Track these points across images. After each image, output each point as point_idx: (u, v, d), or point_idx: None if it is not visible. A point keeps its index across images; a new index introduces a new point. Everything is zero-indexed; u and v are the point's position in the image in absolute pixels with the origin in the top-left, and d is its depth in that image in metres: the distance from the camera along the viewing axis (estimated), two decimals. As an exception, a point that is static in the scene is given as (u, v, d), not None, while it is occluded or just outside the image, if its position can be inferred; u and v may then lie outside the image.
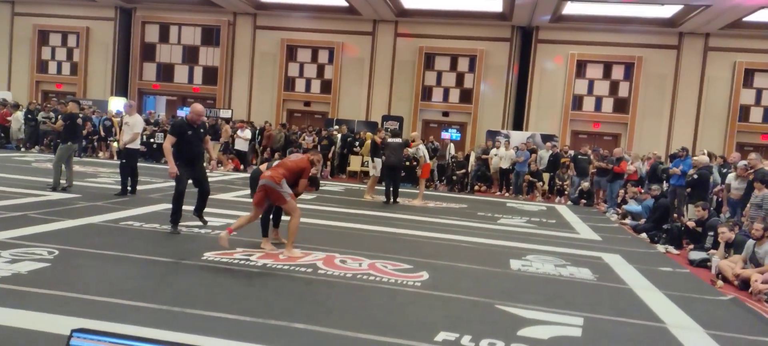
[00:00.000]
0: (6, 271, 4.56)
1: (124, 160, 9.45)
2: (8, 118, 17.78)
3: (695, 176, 9.83)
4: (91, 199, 8.71)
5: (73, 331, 1.49)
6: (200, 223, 7.12)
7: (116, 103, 20.98)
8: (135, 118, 9.58)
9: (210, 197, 7.28)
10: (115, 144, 16.04)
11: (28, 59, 22.87)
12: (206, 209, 7.17)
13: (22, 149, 17.21)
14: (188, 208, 7.08)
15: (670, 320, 4.67)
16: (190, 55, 22.41)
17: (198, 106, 7.02)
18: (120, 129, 12.31)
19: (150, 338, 1.41)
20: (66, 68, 23.12)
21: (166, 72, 22.60)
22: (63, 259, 5.10)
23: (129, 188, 9.42)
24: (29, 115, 17.55)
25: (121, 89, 22.35)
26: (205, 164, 7.42)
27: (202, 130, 7.04)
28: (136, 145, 9.65)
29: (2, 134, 17.57)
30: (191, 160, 6.89)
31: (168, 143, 6.79)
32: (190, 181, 6.97)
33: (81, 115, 9.91)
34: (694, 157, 10.57)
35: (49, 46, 23.14)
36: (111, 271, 4.90)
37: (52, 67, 23.23)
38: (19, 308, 3.73)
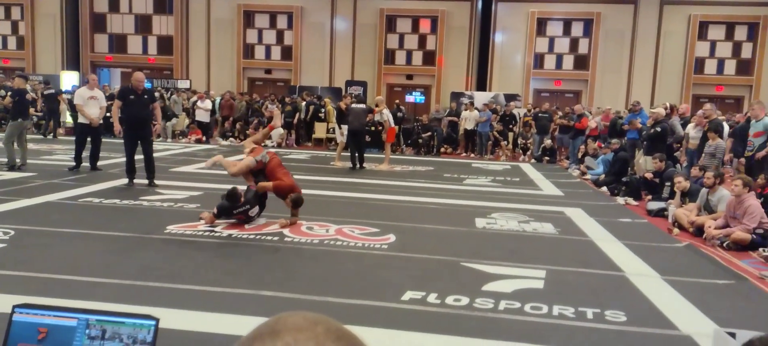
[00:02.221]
0: (-42, 254, 4.39)
1: (80, 135, 9.15)
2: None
3: (658, 129, 9.99)
4: (47, 177, 8.43)
5: (14, 306, 1.45)
6: (153, 187, 7.76)
7: (68, 78, 20.21)
8: (98, 91, 9.39)
9: (177, 169, 7.20)
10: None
11: (-29, 34, 21.74)
12: (169, 183, 7.07)
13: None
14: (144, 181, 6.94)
15: (629, 269, 4.83)
16: (143, 25, 21.64)
17: (138, 74, 8.06)
18: (68, 106, 11.97)
19: (91, 309, 1.38)
20: (12, 42, 22.07)
21: (118, 43, 21.80)
22: (19, 239, 4.95)
23: (89, 165, 9.16)
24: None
25: (73, 63, 21.45)
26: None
27: (146, 97, 7.98)
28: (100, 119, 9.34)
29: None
30: (135, 124, 7.85)
31: (115, 106, 8.12)
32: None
33: (31, 91, 9.48)
34: (652, 110, 10.79)
35: (-9, 20, 22.01)
36: (71, 248, 4.78)
37: (-3, 42, 22.15)
38: (-26, 292, 3.61)
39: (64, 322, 1.33)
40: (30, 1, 21.33)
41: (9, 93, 11.22)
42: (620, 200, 8.72)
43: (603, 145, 11.93)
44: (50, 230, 5.30)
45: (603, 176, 10.14)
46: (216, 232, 5.50)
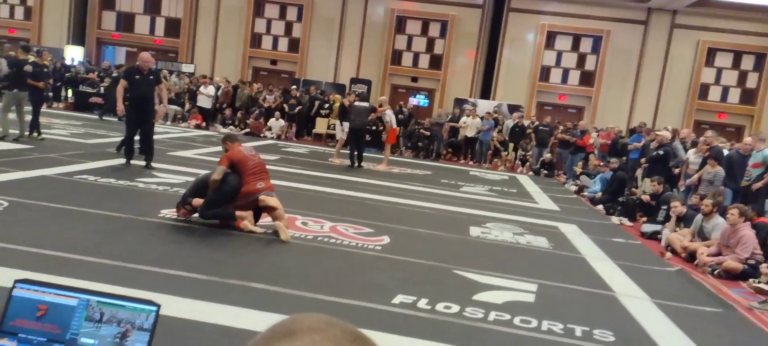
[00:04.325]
0: (-50, 221, 4.38)
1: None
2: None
3: (660, 152, 9.98)
4: (45, 151, 8.41)
5: (16, 281, 1.45)
6: (149, 169, 7.73)
7: (73, 52, 20.16)
8: None
9: (174, 153, 7.18)
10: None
11: (-22, 1, 21.68)
12: (166, 166, 7.06)
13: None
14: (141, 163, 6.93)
15: (619, 289, 4.84)
16: (152, 5, 21.57)
17: (145, 54, 8.08)
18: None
19: (93, 290, 1.38)
20: (19, 12, 22.00)
21: (126, 21, 21.74)
22: (12, 211, 4.93)
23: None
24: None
25: (79, 38, 21.40)
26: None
27: (151, 78, 7.91)
28: None
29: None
30: (140, 104, 7.85)
31: (119, 86, 8.09)
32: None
33: (31, 64, 9.38)
34: (657, 133, 10.79)
35: (0, -12, 21.95)
36: (62, 225, 4.77)
37: (4, 11, 22.06)
38: (-37, 260, 3.60)
39: (65, 301, 1.32)
40: (40, -28, 21.27)
41: (7, 63, 11.17)
42: (615, 219, 8.73)
43: (601, 164, 11.96)
44: (44, 205, 5.28)
45: (599, 194, 10.14)
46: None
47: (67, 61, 18.81)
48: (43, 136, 9.47)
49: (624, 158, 12.02)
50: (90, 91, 16.59)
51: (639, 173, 11.16)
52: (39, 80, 9.56)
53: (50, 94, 9.79)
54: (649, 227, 7.85)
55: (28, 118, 9.41)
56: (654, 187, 8.81)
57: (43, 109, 10.23)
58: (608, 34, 19.24)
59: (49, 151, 8.34)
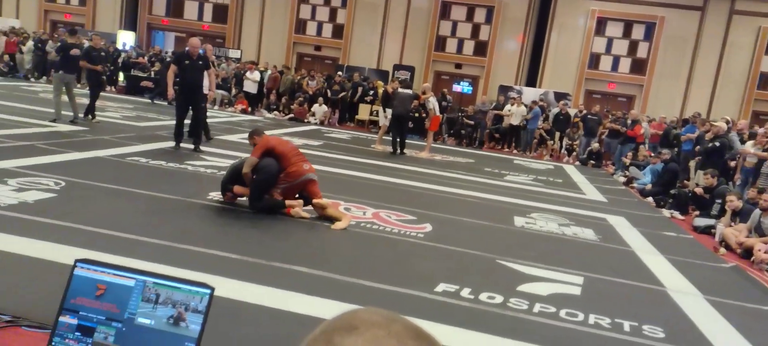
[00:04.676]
0: (12, 199, 4.59)
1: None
2: (21, 47, 17.66)
3: (717, 144, 9.57)
4: (98, 132, 8.71)
5: (76, 261, 1.50)
6: (198, 152, 7.92)
7: (125, 37, 20.79)
8: None
9: (221, 137, 7.35)
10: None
11: (38, -12, 22.58)
12: (213, 150, 7.20)
13: (31, 79, 17.17)
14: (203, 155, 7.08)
15: (670, 284, 4.68)
16: (202, -8, 22.02)
17: (194, 40, 8.23)
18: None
19: (150, 271, 1.41)
20: (75, -1, 22.82)
21: (176, 7, 22.25)
22: (69, 190, 5.13)
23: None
24: (39, 45, 17.42)
25: (130, 23, 22.06)
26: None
27: (201, 63, 8.08)
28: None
29: (12, 63, 17.50)
30: (189, 88, 8.01)
31: (170, 71, 8.31)
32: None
33: (79, 47, 9.63)
34: (713, 123, 10.34)
35: (58, -25, 22.80)
36: (116, 205, 4.93)
37: (62, -3, 22.93)
38: (25, 236, 3.77)
39: (123, 281, 1.36)
40: (95, -41, 21.96)
41: (56, 48, 11.53)
42: (666, 212, 8.45)
43: (652, 155, 11.56)
44: (97, 185, 5.47)
45: (650, 186, 9.83)
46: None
47: (119, 46, 19.40)
48: (98, 118, 9.79)
49: (676, 149, 11.61)
50: (141, 75, 17.08)
51: (692, 164, 10.75)
52: (96, 63, 9.89)
53: (104, 77, 10.04)
54: (702, 221, 7.56)
55: (82, 101, 9.74)
56: (708, 180, 8.46)
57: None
58: (662, 20, 18.52)
59: (102, 134, 8.63)
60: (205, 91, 8.68)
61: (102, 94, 15.64)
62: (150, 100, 14.99)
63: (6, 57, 17.53)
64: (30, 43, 17.73)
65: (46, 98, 12.35)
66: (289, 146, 5.49)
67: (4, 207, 4.35)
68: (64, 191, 5.10)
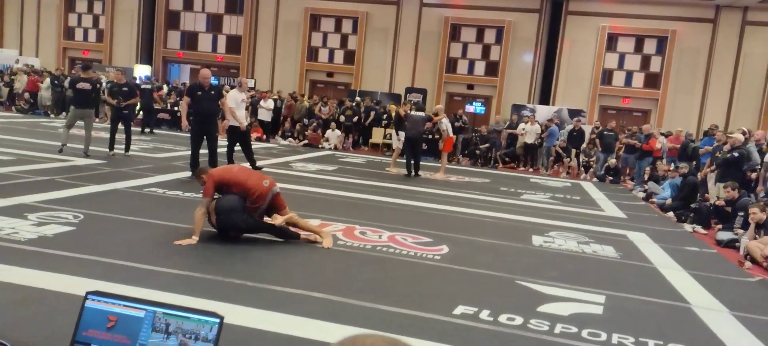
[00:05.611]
0: (32, 233, 4.64)
1: (231, 138, 9.31)
2: (39, 85, 18.06)
3: (735, 155, 9.42)
4: (116, 165, 8.82)
5: (87, 293, 1.50)
6: None
7: (141, 71, 21.18)
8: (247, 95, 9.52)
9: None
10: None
11: (56, 26, 23.14)
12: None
13: (51, 115, 17.50)
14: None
15: (695, 301, 4.56)
16: (214, 24, 22.40)
17: (204, 71, 8.32)
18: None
19: (160, 302, 1.40)
20: (92, 35, 23.34)
21: (190, 40, 22.66)
22: (87, 223, 5.18)
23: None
24: (55, 82, 17.79)
25: (146, 57, 22.49)
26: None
27: (213, 93, 8.25)
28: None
29: (32, 101, 17.88)
30: (203, 118, 8.14)
31: (184, 103, 8.43)
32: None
33: (90, 81, 9.67)
34: (729, 135, 10.20)
35: (75, 13, 23.36)
36: (133, 236, 4.96)
37: (79, 34, 23.47)
38: (43, 270, 3.80)
39: (133, 312, 1.36)
40: (112, -4, 22.51)
41: (68, 83, 11.68)
42: (688, 227, 8.29)
43: (671, 169, 11.41)
44: (115, 217, 5.52)
45: (670, 201, 9.67)
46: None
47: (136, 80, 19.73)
48: (115, 152, 9.86)
49: (694, 163, 11.45)
50: (157, 107, 17.32)
51: (710, 177, 10.59)
52: (115, 98, 10.04)
53: (127, 111, 10.05)
54: (725, 235, 7.40)
55: (102, 134, 9.86)
56: (729, 193, 8.31)
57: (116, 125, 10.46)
58: (674, 34, 18.43)
59: (120, 166, 8.74)
60: (236, 123, 8.86)
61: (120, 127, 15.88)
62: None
63: (27, 95, 17.92)
64: (47, 81, 18.12)
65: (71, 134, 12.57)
66: (236, 169, 5.29)
67: (24, 242, 4.40)
68: (83, 223, 5.15)
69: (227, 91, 10.46)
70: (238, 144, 9.34)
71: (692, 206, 9.09)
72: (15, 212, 5.27)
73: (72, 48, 23.42)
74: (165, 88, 18.73)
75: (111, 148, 9.86)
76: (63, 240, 4.56)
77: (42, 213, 5.31)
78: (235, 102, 9.05)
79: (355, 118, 16.32)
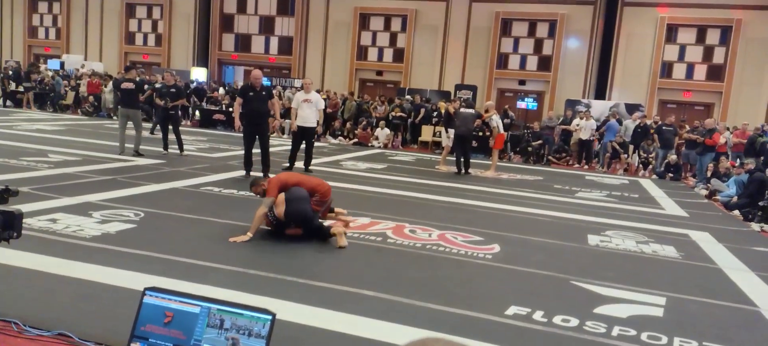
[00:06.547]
0: (96, 230, 4.85)
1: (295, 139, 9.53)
2: (102, 88, 18.91)
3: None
4: (175, 165, 9.13)
5: (145, 289, 1.54)
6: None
7: (197, 73, 21.86)
8: (314, 95, 9.66)
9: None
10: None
11: (118, 31, 24.19)
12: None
13: (114, 117, 18.27)
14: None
15: (764, 304, 4.32)
16: (267, 26, 22.88)
17: (256, 72, 8.43)
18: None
19: (214, 298, 1.42)
20: (151, 39, 24.28)
21: (243, 43, 23.23)
22: (148, 220, 5.38)
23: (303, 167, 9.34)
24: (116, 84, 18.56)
25: (202, 59, 23.21)
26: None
27: (264, 93, 8.37)
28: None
29: (96, 103, 18.73)
30: (254, 119, 8.32)
31: (236, 103, 8.68)
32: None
33: (134, 82, 9.97)
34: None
35: (135, 19, 24.36)
36: (190, 233, 5.11)
37: (139, 39, 24.46)
38: (106, 265, 3.96)
39: (189, 308, 1.39)
40: (169, 1, 23.33)
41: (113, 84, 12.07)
42: (755, 226, 7.87)
43: (736, 165, 10.86)
44: (174, 215, 5.71)
45: (735, 199, 9.20)
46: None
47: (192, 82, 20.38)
48: (169, 151, 10.20)
49: (762, 158, 10.85)
50: (213, 108, 17.82)
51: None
52: (163, 99, 10.40)
53: (173, 112, 10.31)
54: (797, 235, 6.98)
55: (146, 134, 10.16)
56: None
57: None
58: (739, 23, 17.52)
59: (178, 166, 9.04)
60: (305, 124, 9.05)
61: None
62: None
63: (91, 98, 18.79)
64: (110, 84, 18.92)
65: (127, 135, 13.11)
66: (296, 175, 5.65)
67: (89, 238, 4.60)
68: (144, 221, 5.34)
69: (280, 93, 10.66)
70: (303, 143, 9.46)
71: (760, 203, 8.62)
72: (81, 209, 5.53)
73: (133, 52, 24.42)
74: (221, 90, 19.28)
75: (165, 147, 10.22)
76: (125, 237, 4.75)
77: (105, 211, 5.55)
78: (297, 103, 9.34)
79: (408, 117, 16.34)
